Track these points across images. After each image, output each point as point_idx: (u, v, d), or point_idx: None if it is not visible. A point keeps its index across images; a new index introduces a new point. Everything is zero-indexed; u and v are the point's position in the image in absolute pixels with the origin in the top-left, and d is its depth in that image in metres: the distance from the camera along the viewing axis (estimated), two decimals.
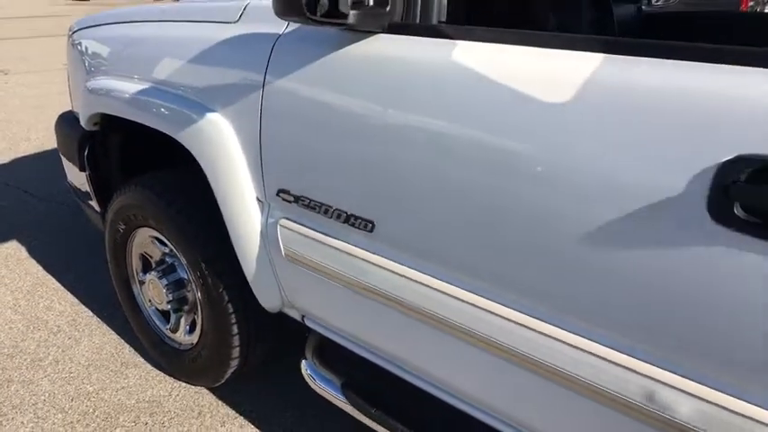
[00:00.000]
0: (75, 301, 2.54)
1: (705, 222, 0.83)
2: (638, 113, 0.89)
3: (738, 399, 0.85)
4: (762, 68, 0.80)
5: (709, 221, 0.83)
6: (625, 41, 0.95)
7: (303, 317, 1.65)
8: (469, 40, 1.10)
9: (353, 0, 1.13)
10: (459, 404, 1.31)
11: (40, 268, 2.78)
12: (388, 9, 1.18)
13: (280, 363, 2.10)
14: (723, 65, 0.84)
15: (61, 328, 2.35)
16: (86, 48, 2.07)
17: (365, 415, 1.50)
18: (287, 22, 1.38)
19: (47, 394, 2.01)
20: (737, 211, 0.80)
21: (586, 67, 0.94)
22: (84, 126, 2.10)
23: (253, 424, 1.91)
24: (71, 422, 1.90)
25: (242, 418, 1.94)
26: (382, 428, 1.46)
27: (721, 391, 0.87)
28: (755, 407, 0.84)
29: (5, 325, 2.36)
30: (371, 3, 1.17)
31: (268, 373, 2.08)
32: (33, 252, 2.92)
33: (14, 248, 2.95)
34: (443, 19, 1.27)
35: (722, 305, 0.84)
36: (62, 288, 2.63)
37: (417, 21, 1.23)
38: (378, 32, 1.21)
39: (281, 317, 1.73)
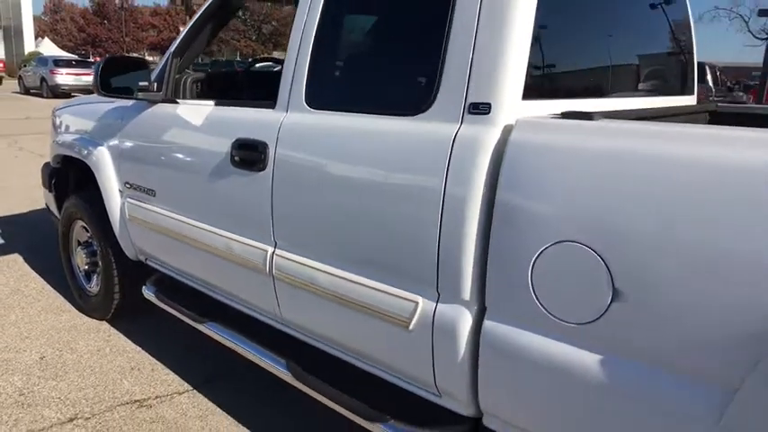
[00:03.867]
0: (45, 282, 3.90)
1: (230, 165, 2.15)
2: (219, 125, 2.25)
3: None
4: (246, 108, 2.17)
5: (230, 165, 2.15)
6: (224, 102, 2.33)
7: (146, 259, 2.97)
8: (184, 102, 2.50)
9: (143, 87, 2.55)
10: (209, 292, 2.58)
11: (29, 268, 4.18)
12: (161, 92, 2.58)
13: (153, 313, 3.36)
14: (237, 107, 2.21)
15: (32, 294, 3.70)
16: (59, 119, 3.56)
17: (163, 303, 2.77)
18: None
19: (13, 322, 3.33)
20: (236, 158, 2.13)
21: (207, 110, 2.32)
22: (52, 165, 3.56)
23: (133, 342, 3.16)
24: (21, 332, 3.20)
25: (124, 335, 3.20)
26: (168, 308, 2.73)
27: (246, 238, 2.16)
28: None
29: None
30: (155, 89, 2.58)
31: (145, 319, 3.34)
32: (28, 259, 4.33)
33: (15, 257, 4.38)
34: (195, 97, 2.68)
35: (233, 201, 2.15)
36: (38, 276, 4.00)
37: (181, 97, 2.65)
38: (158, 102, 2.62)
39: (141, 264, 3.04)
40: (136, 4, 59.26)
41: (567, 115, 1.42)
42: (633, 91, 2.21)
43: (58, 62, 21.28)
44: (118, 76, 2.64)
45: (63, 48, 45.73)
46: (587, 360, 1.31)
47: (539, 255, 1.35)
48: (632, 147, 1.25)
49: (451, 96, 1.54)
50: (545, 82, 1.66)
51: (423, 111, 1.60)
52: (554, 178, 1.33)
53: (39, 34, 44.92)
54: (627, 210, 1.23)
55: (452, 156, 1.50)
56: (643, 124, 1.34)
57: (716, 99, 14.22)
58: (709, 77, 14.28)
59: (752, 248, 1.08)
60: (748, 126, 1.22)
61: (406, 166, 1.62)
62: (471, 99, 1.50)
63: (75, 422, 2.43)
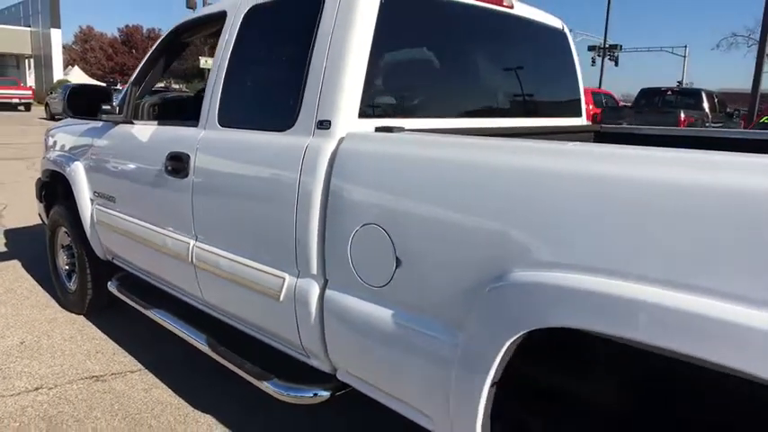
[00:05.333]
0: (36, 283, 4.40)
1: (164, 174, 2.62)
2: (159, 141, 2.72)
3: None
4: (179, 126, 2.64)
5: (164, 173, 2.61)
6: (165, 122, 2.80)
7: (113, 258, 3.44)
8: (138, 122, 2.98)
9: (106, 110, 3.05)
10: (156, 283, 3.04)
11: (24, 271, 4.69)
12: (122, 115, 3.07)
13: (123, 309, 3.81)
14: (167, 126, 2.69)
15: (23, 293, 4.20)
16: (50, 139, 4.09)
17: (122, 295, 3.23)
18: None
19: (2, 314, 3.81)
20: (169, 167, 2.59)
21: (151, 129, 2.80)
22: (42, 179, 4.08)
23: (103, 332, 3.62)
24: (8, 322, 3.67)
25: (96, 327, 3.66)
26: (126, 299, 3.18)
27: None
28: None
29: None
30: (117, 112, 3.08)
31: (117, 314, 3.79)
32: (25, 264, 4.85)
33: (14, 262, 4.90)
34: (150, 119, 3.17)
35: (167, 204, 2.61)
36: (31, 279, 4.50)
37: (138, 119, 3.13)
38: (119, 123, 3.10)
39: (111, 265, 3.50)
40: (162, 34, 61.32)
41: (378, 129, 1.85)
42: (503, 112, 2.63)
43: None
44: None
45: (92, 76, 47.54)
46: (384, 314, 1.71)
47: (353, 235, 1.76)
48: (408, 151, 1.67)
49: (307, 117, 1.99)
50: (383, 105, 2.09)
51: (289, 127, 2.04)
52: (362, 175, 1.76)
53: (69, 63, 46.75)
54: (403, 198, 1.65)
55: (304, 161, 1.93)
56: (430, 136, 1.76)
57: (713, 124, 14.45)
58: (705, 104, 14.56)
59: (478, 229, 1.49)
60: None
61: (276, 170, 2.05)
62: (319, 118, 1.94)
63: (39, 391, 2.88)
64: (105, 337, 3.52)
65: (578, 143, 1.46)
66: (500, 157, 1.47)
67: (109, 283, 3.41)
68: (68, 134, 3.72)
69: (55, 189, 4.08)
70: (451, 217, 1.54)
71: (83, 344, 3.42)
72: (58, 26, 38.11)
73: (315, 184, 1.88)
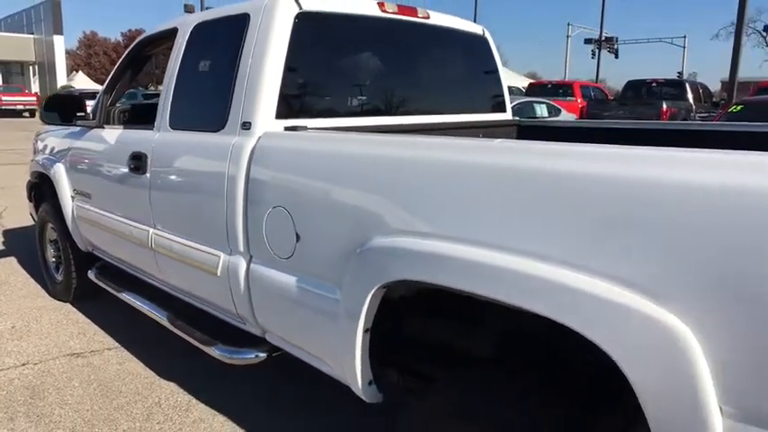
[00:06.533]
0: (29, 276, 4.80)
1: (128, 171, 2.99)
2: (123, 143, 3.10)
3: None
4: (140, 129, 3.02)
5: (128, 171, 2.99)
6: (129, 126, 3.18)
7: (93, 249, 3.82)
8: (108, 127, 3.36)
9: (80, 116, 3.43)
10: (131, 270, 3.42)
11: (19, 266, 5.10)
12: (95, 120, 3.45)
13: (106, 298, 4.19)
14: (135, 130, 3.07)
15: (17, 285, 4.60)
16: (38, 143, 4.48)
17: (100, 281, 3.61)
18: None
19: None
20: (131, 166, 2.97)
21: (117, 132, 3.18)
22: (31, 180, 4.47)
23: (86, 317, 4.01)
24: (2, 310, 4.07)
25: (81, 313, 4.05)
26: (103, 285, 3.57)
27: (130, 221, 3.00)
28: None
29: None
30: (91, 118, 3.46)
31: (100, 302, 4.18)
32: (21, 260, 5.25)
33: (11, 259, 5.31)
34: (120, 123, 3.55)
35: (131, 197, 2.98)
36: (26, 272, 4.91)
37: (109, 124, 3.51)
38: (93, 128, 3.48)
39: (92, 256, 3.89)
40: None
41: (287, 128, 2.22)
42: (410, 111, 2.93)
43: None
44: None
45: (97, 81, 48.05)
46: (290, 281, 2.08)
47: (267, 216, 2.13)
48: (305, 146, 2.04)
49: (234, 119, 2.36)
50: (298, 107, 2.45)
51: (221, 128, 2.41)
52: (272, 166, 2.13)
53: (74, 68, 47.27)
54: (299, 183, 2.01)
55: (231, 156, 2.30)
56: (323, 133, 2.13)
57: (697, 115, 14.69)
58: (690, 96, 14.81)
59: (352, 206, 1.85)
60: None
61: (211, 165, 2.42)
62: (243, 120, 2.31)
63: (26, 365, 3.27)
64: (88, 321, 3.91)
65: (431, 137, 1.82)
66: (365, 148, 1.84)
67: (89, 271, 3.79)
68: (52, 138, 4.11)
69: (42, 189, 4.48)
70: (333, 197, 1.90)
71: (67, 327, 3.81)
72: (60, 33, 38.68)
73: (239, 175, 2.25)
